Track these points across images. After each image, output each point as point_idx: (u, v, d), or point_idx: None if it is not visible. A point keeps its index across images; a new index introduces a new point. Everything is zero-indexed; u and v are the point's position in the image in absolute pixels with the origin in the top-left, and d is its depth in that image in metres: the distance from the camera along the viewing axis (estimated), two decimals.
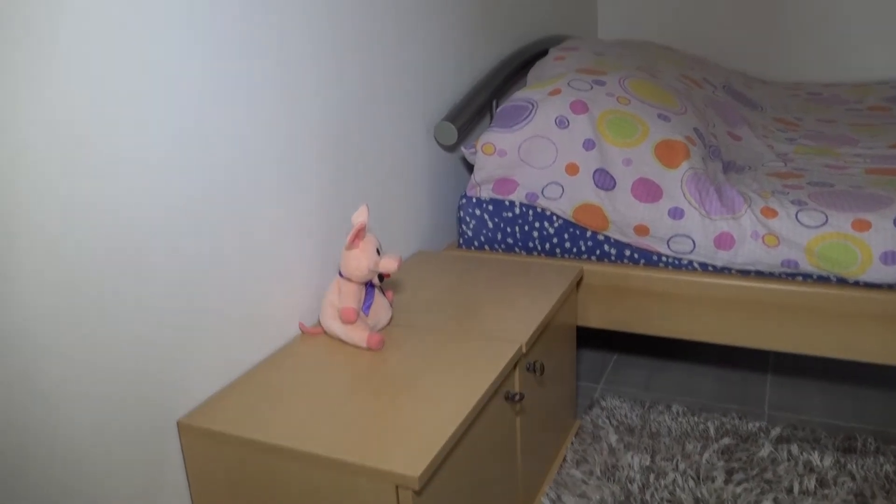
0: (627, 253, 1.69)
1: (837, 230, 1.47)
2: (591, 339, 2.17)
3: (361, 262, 1.29)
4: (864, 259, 1.45)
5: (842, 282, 1.51)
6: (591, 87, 1.76)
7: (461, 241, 1.86)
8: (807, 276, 1.54)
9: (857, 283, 1.50)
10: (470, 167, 1.88)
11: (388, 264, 1.30)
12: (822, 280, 1.53)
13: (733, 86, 2.35)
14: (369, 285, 1.35)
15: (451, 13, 1.85)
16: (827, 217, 1.49)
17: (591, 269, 1.71)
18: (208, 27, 1.12)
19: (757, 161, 1.88)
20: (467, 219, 1.82)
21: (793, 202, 1.55)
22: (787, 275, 1.55)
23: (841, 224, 1.48)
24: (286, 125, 1.31)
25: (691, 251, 1.61)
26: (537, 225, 1.75)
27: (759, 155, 1.92)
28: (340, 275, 1.32)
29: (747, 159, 1.90)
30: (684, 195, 1.60)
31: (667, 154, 1.64)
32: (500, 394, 1.26)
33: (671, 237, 1.61)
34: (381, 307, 1.37)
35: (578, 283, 1.72)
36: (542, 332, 1.43)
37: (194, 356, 1.16)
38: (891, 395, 1.78)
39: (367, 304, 1.34)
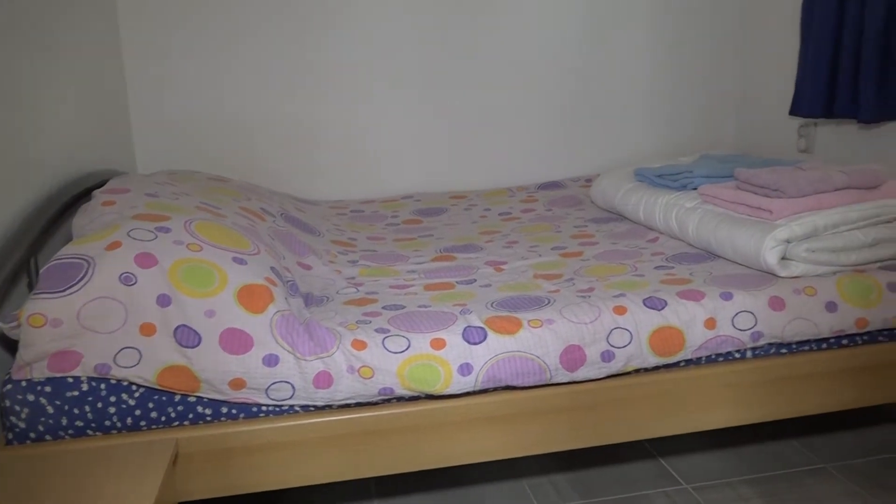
0: (225, 410, 1.56)
1: (420, 352, 1.58)
2: None
3: None
4: (446, 375, 1.59)
5: (431, 397, 1.62)
6: (156, 236, 1.61)
7: (11, 438, 1.48)
8: (402, 399, 1.62)
9: (443, 397, 1.62)
10: (12, 345, 1.53)
11: None
12: (416, 399, 1.62)
13: (290, 212, 2.42)
14: None
15: None
16: (409, 341, 1.59)
17: (186, 435, 1.52)
18: None
19: (331, 289, 1.94)
20: (17, 408, 1.47)
21: (377, 330, 1.62)
22: (385, 400, 1.61)
23: (422, 346, 1.59)
24: None
25: (291, 396, 1.55)
26: (113, 399, 1.50)
27: (331, 282, 1.99)
28: None
29: (322, 289, 1.94)
30: (276, 340, 1.54)
31: (250, 300, 1.57)
32: None
33: (269, 386, 1.54)
34: None
35: (175, 458, 1.51)
36: None
37: None
38: (482, 489, 1.95)
39: None
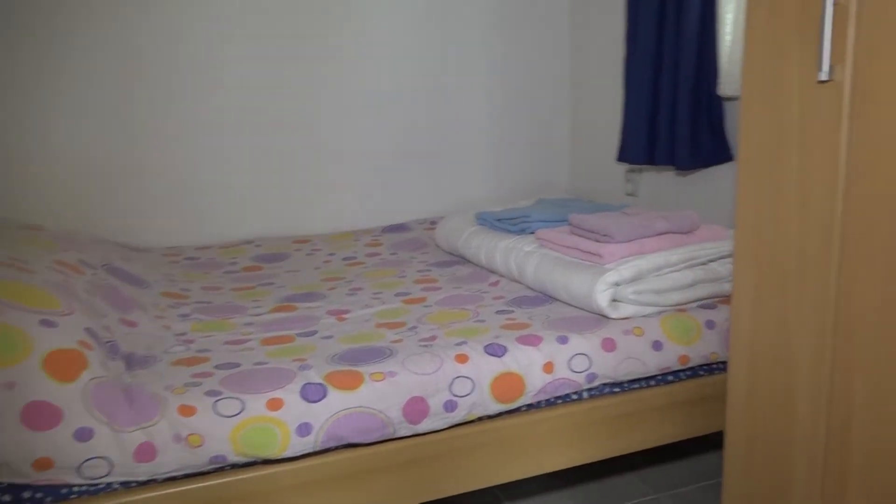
0: (28, 495, 1.38)
1: (255, 414, 1.49)
2: None
3: None
4: (284, 437, 1.50)
5: (268, 462, 1.53)
6: None
7: None
8: (235, 466, 1.51)
9: (280, 460, 1.54)
10: None
11: None
12: (251, 465, 1.52)
13: (114, 263, 2.24)
14: None
15: None
16: (243, 403, 1.50)
17: None
18: None
19: (158, 348, 1.80)
20: None
21: (207, 393, 1.51)
22: (217, 469, 1.50)
23: (257, 407, 1.50)
24: None
25: (108, 473, 1.41)
26: None
27: (160, 340, 1.85)
28: None
29: (147, 347, 1.80)
30: (89, 412, 1.40)
31: (60, 367, 1.42)
32: None
33: (82, 463, 1.39)
34: None
35: None
36: None
37: None
38: None
39: None
